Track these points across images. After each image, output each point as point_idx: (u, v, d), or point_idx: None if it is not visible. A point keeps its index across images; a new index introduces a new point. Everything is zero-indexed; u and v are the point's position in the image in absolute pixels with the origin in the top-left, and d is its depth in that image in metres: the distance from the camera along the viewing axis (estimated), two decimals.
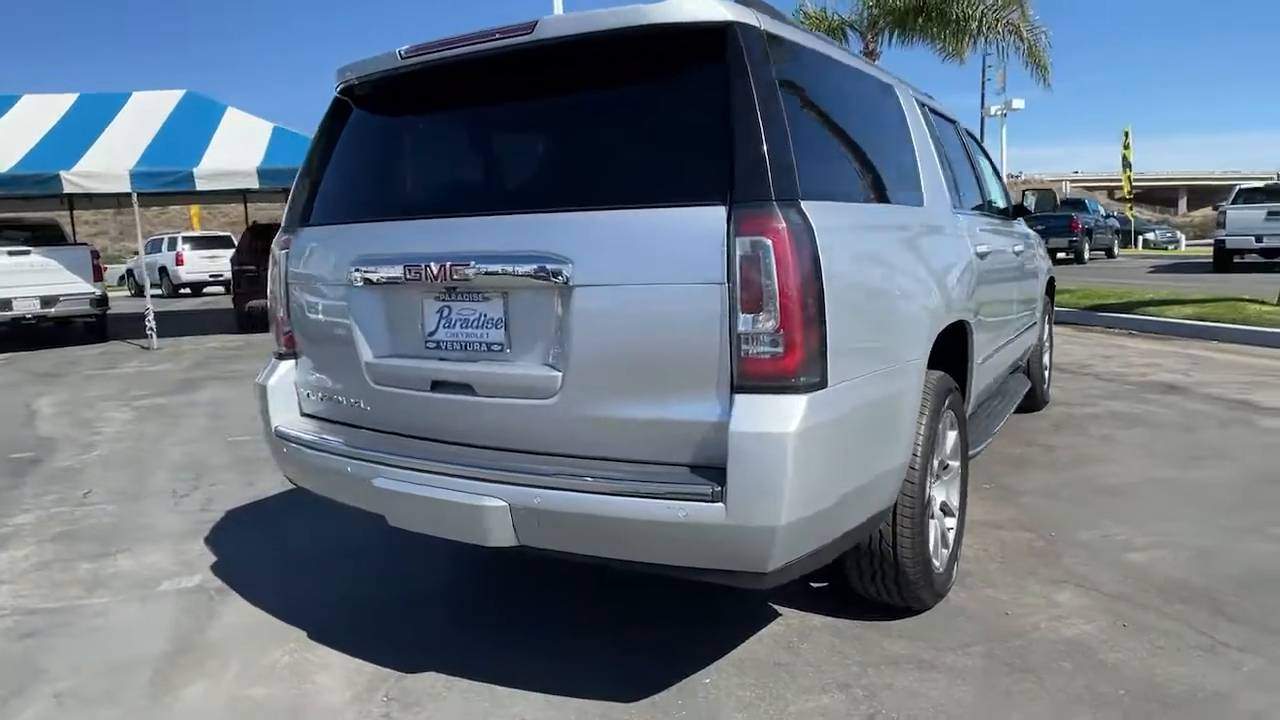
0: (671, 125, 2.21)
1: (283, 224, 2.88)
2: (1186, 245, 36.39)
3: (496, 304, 2.33)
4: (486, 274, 2.28)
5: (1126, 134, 33.24)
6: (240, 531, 3.88)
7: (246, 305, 13.35)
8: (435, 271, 2.34)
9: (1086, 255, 22.39)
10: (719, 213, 2.00)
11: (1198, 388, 6.27)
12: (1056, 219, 20.18)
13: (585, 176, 2.32)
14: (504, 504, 2.17)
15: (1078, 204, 24.04)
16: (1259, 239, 16.32)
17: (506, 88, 2.50)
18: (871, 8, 14.63)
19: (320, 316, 2.75)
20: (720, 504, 1.96)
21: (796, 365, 1.97)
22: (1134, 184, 35.28)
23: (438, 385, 2.44)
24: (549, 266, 2.17)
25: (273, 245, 2.88)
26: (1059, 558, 3.22)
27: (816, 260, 1.99)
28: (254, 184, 11.38)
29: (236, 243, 16.52)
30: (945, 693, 2.32)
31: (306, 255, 2.78)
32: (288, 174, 9.49)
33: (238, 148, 11.62)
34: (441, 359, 2.44)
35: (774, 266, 1.95)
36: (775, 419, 1.95)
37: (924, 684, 2.36)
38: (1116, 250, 26.35)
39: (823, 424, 2.00)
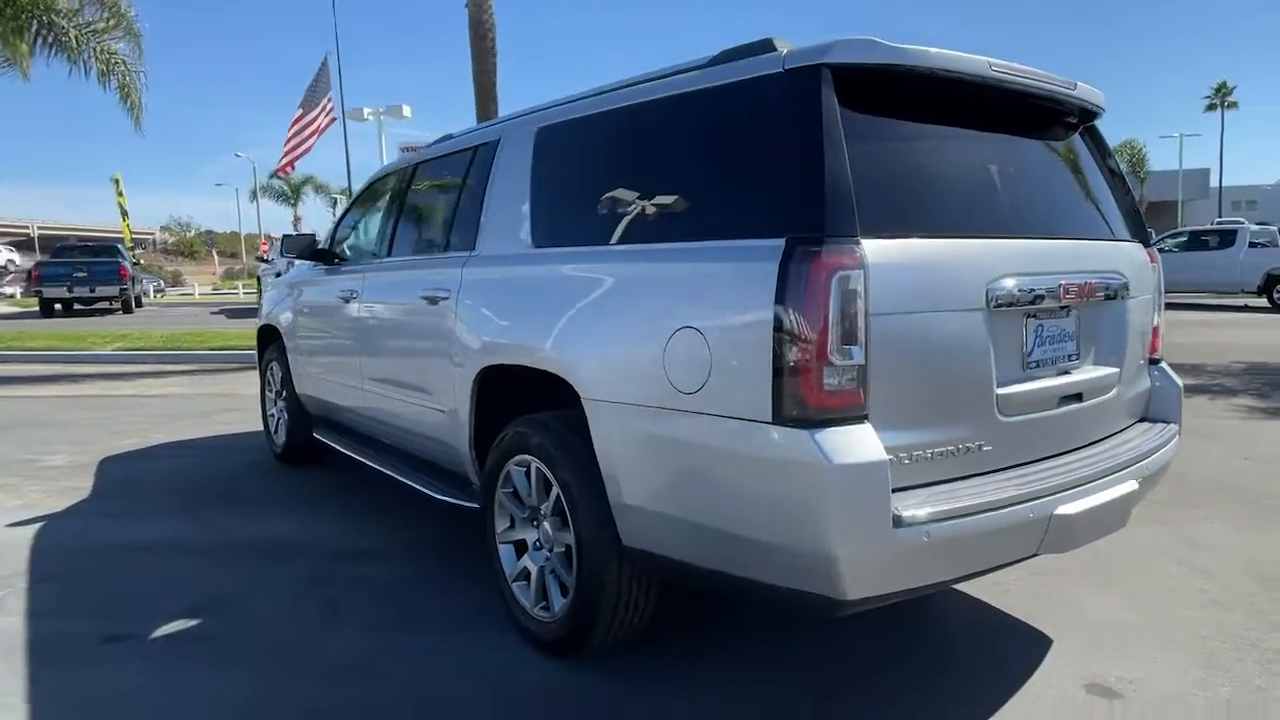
0: (1094, 179, 2.90)
1: (825, 230, 1.99)
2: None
3: (1072, 318, 2.56)
4: (1098, 292, 2.59)
5: (117, 181, 32.73)
6: None
7: None
8: (1079, 289, 2.50)
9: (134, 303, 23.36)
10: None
11: None
12: (102, 264, 21.94)
13: (1090, 213, 2.85)
14: (1136, 484, 2.48)
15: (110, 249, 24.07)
16: None
17: (1038, 128, 2.77)
18: None
19: (935, 352, 2.17)
20: None
21: None
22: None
23: (1061, 400, 2.49)
24: (1126, 284, 2.71)
25: (830, 262, 1.97)
26: None
27: None
28: None
29: None
30: None
31: (904, 275, 2.10)
32: None
33: None
34: (1054, 375, 2.50)
35: None
36: None
37: None
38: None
39: None
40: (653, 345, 2.28)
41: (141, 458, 5.76)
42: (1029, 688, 2.53)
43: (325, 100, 28.09)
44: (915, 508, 2.01)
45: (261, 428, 6.36)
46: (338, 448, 4.47)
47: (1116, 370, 2.70)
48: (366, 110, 30.15)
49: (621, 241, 2.56)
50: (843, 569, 1.96)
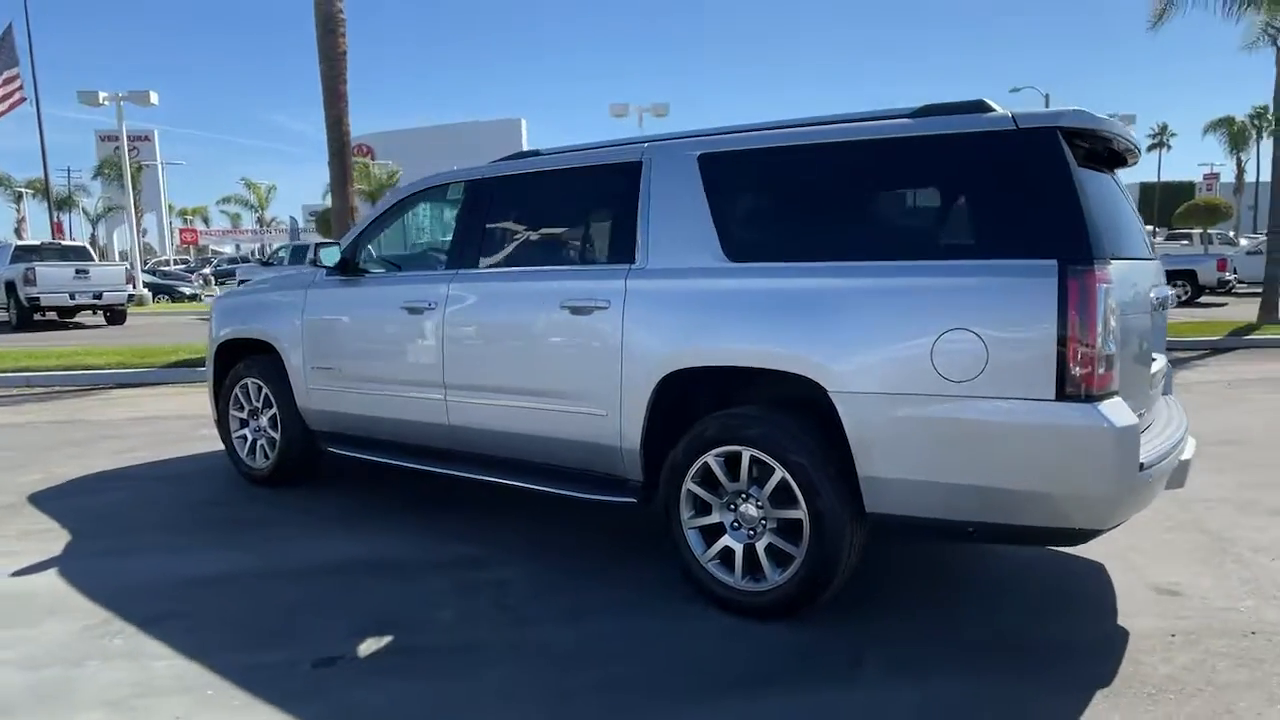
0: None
1: (1092, 253, 2.62)
2: None
3: (1150, 318, 3.29)
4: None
5: None
6: None
7: None
8: (1165, 298, 3.45)
9: None
10: None
11: None
12: None
13: (1144, 236, 3.59)
14: (1194, 440, 3.40)
15: None
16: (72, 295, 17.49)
17: (1114, 170, 3.50)
18: None
19: (1133, 344, 2.99)
20: None
21: None
22: None
23: (1162, 379, 3.54)
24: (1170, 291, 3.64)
25: (1099, 277, 2.61)
26: None
27: None
28: None
29: None
30: None
31: (1120, 286, 2.76)
32: None
33: None
34: (1150, 361, 3.31)
35: None
36: None
37: None
38: None
39: None
40: (918, 344, 2.79)
41: (79, 492, 5.11)
42: (1122, 595, 3.37)
43: (10, 75, 24.38)
44: (1145, 457, 2.72)
45: (188, 453, 5.97)
46: (388, 462, 4.38)
47: (1164, 356, 3.64)
48: (103, 95, 26.68)
49: (858, 258, 3.02)
50: (1110, 505, 2.65)
